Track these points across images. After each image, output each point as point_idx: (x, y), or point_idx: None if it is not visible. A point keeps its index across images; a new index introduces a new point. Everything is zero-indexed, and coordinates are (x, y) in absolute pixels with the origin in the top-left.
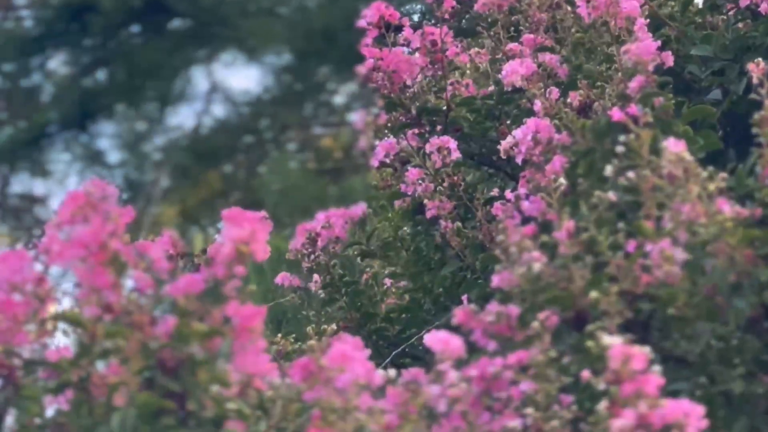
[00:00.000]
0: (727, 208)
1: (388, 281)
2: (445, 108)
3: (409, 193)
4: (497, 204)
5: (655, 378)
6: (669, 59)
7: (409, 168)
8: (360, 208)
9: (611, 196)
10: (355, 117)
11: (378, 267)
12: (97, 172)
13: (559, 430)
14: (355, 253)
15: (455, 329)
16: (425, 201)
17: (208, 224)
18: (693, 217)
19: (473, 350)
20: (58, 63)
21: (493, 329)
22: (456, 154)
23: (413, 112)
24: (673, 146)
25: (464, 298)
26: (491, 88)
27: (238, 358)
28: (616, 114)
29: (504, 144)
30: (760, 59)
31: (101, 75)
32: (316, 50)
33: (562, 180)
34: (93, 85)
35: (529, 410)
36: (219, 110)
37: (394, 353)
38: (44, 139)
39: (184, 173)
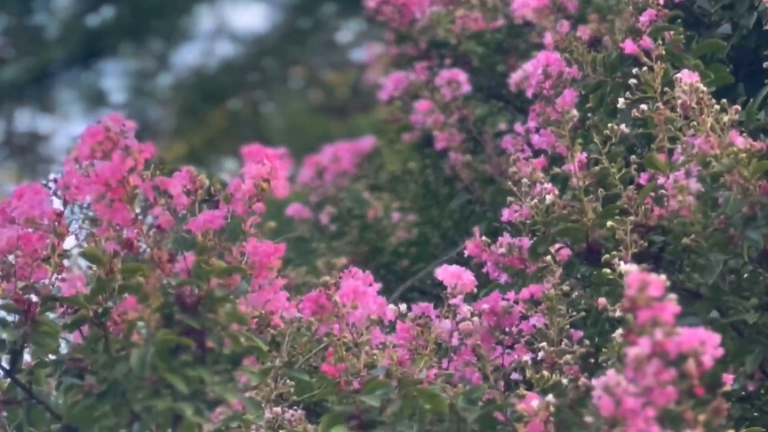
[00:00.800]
0: (740, 140)
1: (396, 215)
2: (454, 42)
3: (419, 125)
4: (507, 137)
5: (672, 306)
6: None
7: (420, 101)
8: (368, 142)
9: (623, 128)
10: (363, 52)
11: (386, 201)
12: (102, 110)
13: (572, 365)
14: (364, 186)
15: (464, 263)
16: (435, 133)
17: (213, 162)
18: (706, 149)
19: (483, 284)
20: (63, 1)
21: (505, 261)
22: (466, 87)
23: (422, 45)
24: (687, 77)
25: (474, 230)
26: (500, 21)
27: (255, 295)
28: (629, 46)
29: (514, 77)
30: None
31: (107, 12)
32: None
33: (574, 112)
34: (98, 23)
35: (543, 345)
36: (224, 49)
37: (402, 288)
38: (49, 77)
39: (189, 112)
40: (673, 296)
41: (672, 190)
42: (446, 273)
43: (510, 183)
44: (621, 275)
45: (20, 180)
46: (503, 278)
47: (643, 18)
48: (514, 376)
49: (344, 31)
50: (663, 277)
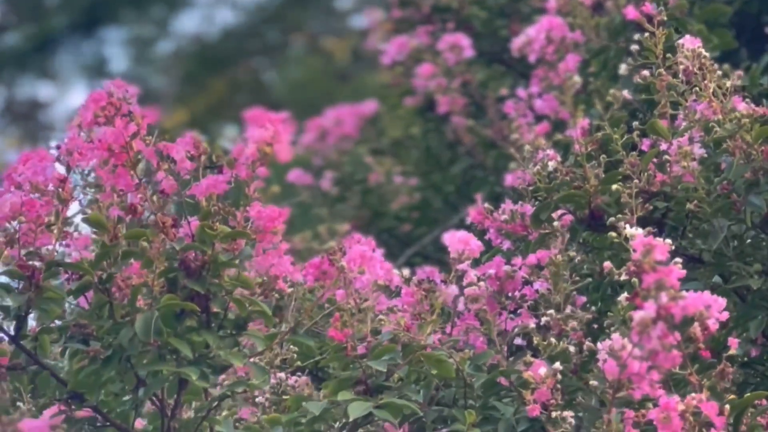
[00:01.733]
0: (742, 105)
1: (398, 179)
2: (457, 6)
3: (421, 89)
4: (509, 102)
5: (677, 270)
6: None
7: (423, 64)
8: (370, 106)
9: (626, 94)
10: (363, 18)
11: (388, 165)
12: (102, 78)
13: (578, 331)
14: (366, 151)
15: (466, 229)
16: (437, 97)
17: (214, 129)
18: (708, 115)
19: (485, 250)
20: None
21: (507, 228)
22: (469, 52)
23: (425, 10)
24: (690, 43)
25: (477, 197)
26: None
27: (260, 259)
28: (631, 12)
29: (517, 42)
30: None
31: None
32: None
33: (577, 78)
34: None
35: (550, 312)
36: (224, 16)
37: (407, 254)
38: (50, 45)
39: (190, 79)
40: (678, 260)
41: (675, 155)
42: (453, 239)
43: (512, 149)
44: (626, 239)
45: (21, 147)
46: (506, 245)
47: None
48: (518, 341)
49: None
50: (668, 241)
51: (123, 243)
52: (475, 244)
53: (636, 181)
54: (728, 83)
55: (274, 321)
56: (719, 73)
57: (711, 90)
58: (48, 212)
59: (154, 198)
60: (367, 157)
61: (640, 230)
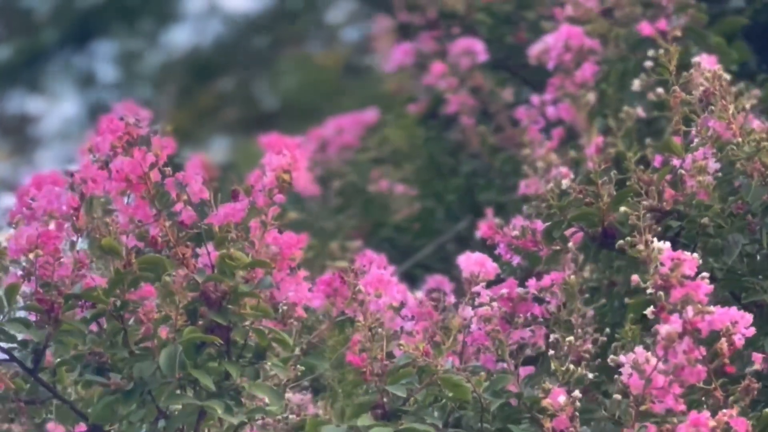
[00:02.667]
0: (756, 123)
1: (399, 188)
2: (463, 12)
3: (426, 94)
4: (521, 108)
5: (705, 285)
6: None
7: (432, 64)
8: (372, 114)
9: (640, 111)
10: (355, 31)
11: (390, 174)
12: (92, 91)
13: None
14: (367, 159)
15: (466, 240)
16: (447, 96)
17: (203, 140)
18: (723, 133)
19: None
20: None
21: (518, 243)
22: (482, 57)
23: (431, 15)
24: (707, 62)
25: (488, 211)
26: None
27: (279, 286)
28: (646, 28)
29: (534, 49)
30: None
31: None
32: None
33: (591, 96)
34: (89, 4)
35: (569, 339)
36: (215, 29)
37: (408, 264)
38: (40, 58)
39: (180, 91)
40: (705, 275)
41: (690, 170)
42: (468, 261)
43: (525, 166)
44: (650, 252)
45: (11, 161)
46: (516, 260)
47: None
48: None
49: (335, 11)
50: (696, 255)
51: (136, 269)
52: (491, 266)
53: (649, 199)
54: (747, 104)
55: (293, 348)
56: (735, 90)
57: (730, 111)
58: (62, 242)
59: (173, 228)
60: (369, 167)
61: (667, 244)
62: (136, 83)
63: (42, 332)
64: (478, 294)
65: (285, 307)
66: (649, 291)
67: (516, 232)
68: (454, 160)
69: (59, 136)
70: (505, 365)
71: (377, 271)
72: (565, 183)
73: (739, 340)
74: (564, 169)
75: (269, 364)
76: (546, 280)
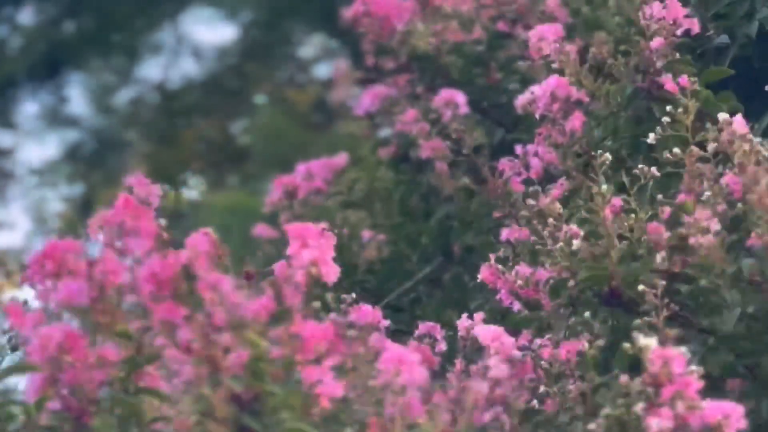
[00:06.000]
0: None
1: (368, 233)
2: (434, 54)
3: (397, 139)
4: (504, 160)
5: (695, 380)
6: (695, 25)
7: (404, 109)
8: (342, 158)
9: (654, 171)
10: (327, 68)
11: (359, 218)
12: (64, 125)
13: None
14: (336, 204)
15: (437, 282)
16: (420, 141)
17: (180, 181)
18: (735, 188)
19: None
20: (26, 15)
21: (521, 292)
22: (464, 109)
23: (402, 58)
24: (740, 125)
25: (492, 256)
26: (477, 33)
27: (304, 378)
28: (669, 84)
29: (521, 99)
30: None
31: (69, 27)
32: (288, 7)
33: (608, 155)
34: (61, 37)
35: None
36: (188, 66)
37: (381, 304)
38: (11, 91)
39: (153, 129)
40: (696, 369)
41: (691, 228)
42: (486, 333)
43: (525, 214)
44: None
45: None
46: (516, 306)
47: (654, 44)
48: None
49: (308, 47)
50: (684, 350)
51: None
52: (508, 341)
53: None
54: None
55: None
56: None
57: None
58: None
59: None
60: (338, 210)
61: (654, 341)
62: (109, 118)
63: None
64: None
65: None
66: (637, 389)
67: (520, 282)
68: (427, 203)
69: (30, 171)
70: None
71: (397, 350)
72: (576, 244)
73: None
74: (575, 228)
75: None
76: (562, 351)
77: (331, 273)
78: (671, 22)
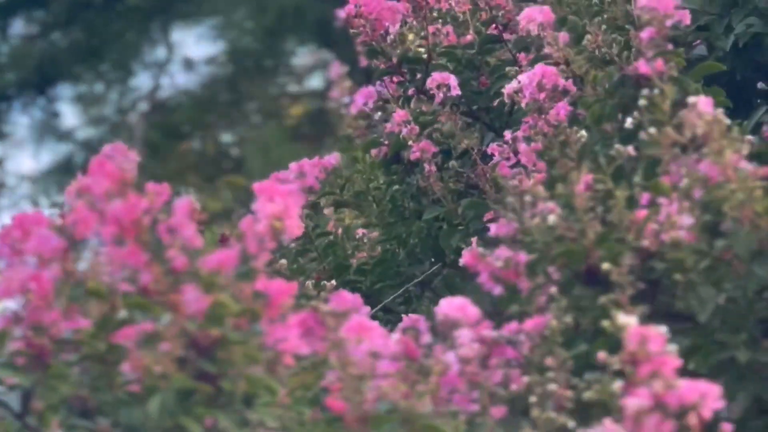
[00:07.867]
0: (742, 163)
1: (360, 232)
2: (425, 57)
3: (388, 139)
4: (493, 145)
5: (673, 359)
6: (686, 17)
7: (395, 110)
8: (333, 158)
9: (631, 150)
10: (320, 79)
11: (351, 218)
12: (54, 136)
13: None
14: (328, 203)
15: (428, 283)
16: (410, 143)
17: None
18: (713, 175)
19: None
20: (17, 27)
21: (501, 274)
22: (456, 91)
23: (394, 60)
24: (704, 105)
25: (473, 240)
26: (470, 36)
27: (268, 334)
28: (643, 67)
29: (508, 89)
30: None
31: (60, 40)
32: (280, 22)
33: (584, 132)
34: (52, 50)
35: (552, 387)
36: (180, 78)
37: (374, 310)
38: (2, 103)
39: (146, 144)
40: (673, 348)
41: (663, 223)
42: (450, 306)
43: (509, 197)
44: (620, 327)
45: None
46: (497, 290)
47: (644, 35)
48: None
49: (301, 57)
50: (663, 329)
51: (122, 312)
52: (473, 311)
53: (631, 241)
54: (745, 149)
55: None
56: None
57: (728, 157)
58: (53, 286)
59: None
60: (329, 210)
61: (633, 319)
62: (100, 130)
63: (31, 377)
64: (458, 338)
65: (272, 354)
66: (615, 366)
67: (500, 263)
68: (417, 203)
69: (22, 179)
70: (477, 407)
71: (359, 318)
72: (551, 219)
73: (708, 413)
74: (551, 205)
75: (257, 411)
76: (528, 324)
77: (295, 227)
78: (663, 14)
